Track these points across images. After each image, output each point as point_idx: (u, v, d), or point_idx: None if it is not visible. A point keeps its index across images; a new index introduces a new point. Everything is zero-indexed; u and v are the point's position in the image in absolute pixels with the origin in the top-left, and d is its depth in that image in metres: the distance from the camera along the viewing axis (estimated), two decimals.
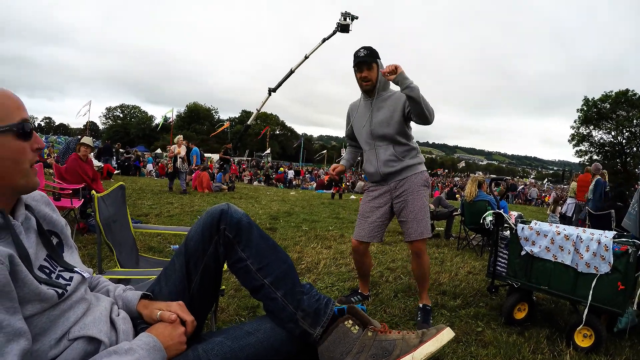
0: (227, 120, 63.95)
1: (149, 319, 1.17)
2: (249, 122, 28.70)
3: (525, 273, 2.87)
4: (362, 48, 2.75)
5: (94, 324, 1.04)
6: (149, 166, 22.43)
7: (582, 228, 2.78)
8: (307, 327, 1.23)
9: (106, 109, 74.88)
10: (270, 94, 25.54)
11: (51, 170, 7.19)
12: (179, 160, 10.99)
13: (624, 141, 36.72)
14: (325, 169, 42.72)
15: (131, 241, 2.52)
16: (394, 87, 2.82)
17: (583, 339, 2.54)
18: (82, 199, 5.17)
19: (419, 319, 2.79)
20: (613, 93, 35.89)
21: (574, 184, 10.47)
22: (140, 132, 66.67)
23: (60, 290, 0.99)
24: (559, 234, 2.70)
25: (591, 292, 2.50)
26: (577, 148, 38.65)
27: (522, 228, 2.90)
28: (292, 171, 28.02)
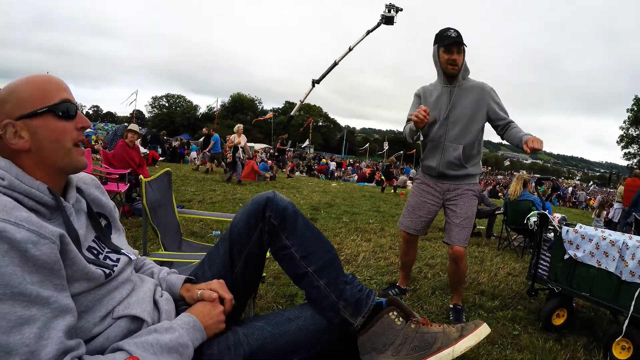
0: (270, 110, 64.69)
1: (191, 301, 1.20)
2: (292, 113, 28.92)
3: (566, 278, 2.77)
4: (450, 29, 2.62)
5: (138, 304, 1.07)
6: (193, 154, 23.03)
7: (629, 235, 2.65)
8: (348, 317, 1.24)
9: (152, 98, 76.74)
10: (313, 86, 25.57)
11: (98, 156, 7.54)
12: (239, 149, 10.55)
13: None
14: (367, 161, 42.50)
15: (175, 225, 2.58)
16: (471, 76, 2.77)
17: (621, 351, 2.43)
18: (128, 184, 5.38)
19: (452, 318, 2.77)
20: None
21: (621, 188, 10.02)
22: (185, 120, 68.36)
23: (107, 271, 1.02)
24: (604, 239, 2.59)
25: (634, 302, 2.37)
26: (626, 150, 36.75)
27: (567, 231, 2.80)
28: (334, 163, 28.08)
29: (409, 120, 2.82)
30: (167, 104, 75.80)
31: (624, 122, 36.58)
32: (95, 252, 1.07)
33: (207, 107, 30.94)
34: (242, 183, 10.41)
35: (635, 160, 35.78)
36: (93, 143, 17.76)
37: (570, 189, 32.61)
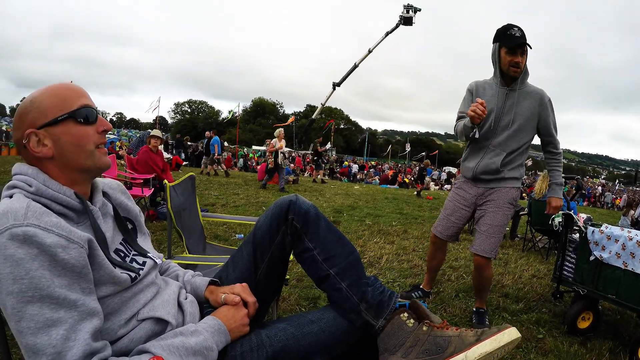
0: (292, 114, 65.09)
1: (215, 304, 1.21)
2: (313, 116, 29.01)
3: (592, 280, 2.71)
4: (514, 26, 2.45)
5: (162, 306, 1.09)
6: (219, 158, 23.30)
7: None
8: (370, 319, 1.23)
9: (174, 104, 77.83)
10: (334, 88, 25.66)
11: (123, 162, 7.73)
12: (280, 155, 10.08)
13: None
14: (390, 163, 42.21)
15: (199, 229, 2.61)
16: (530, 80, 2.61)
17: None
18: (152, 188, 5.48)
19: (474, 321, 2.73)
20: None
21: None
22: (207, 126, 69.23)
23: (133, 274, 1.04)
24: (631, 239, 2.51)
25: None
26: None
27: (593, 231, 2.74)
28: (356, 165, 28.02)
29: (459, 118, 2.73)
30: (189, 110, 76.91)
31: None
32: (122, 254, 1.09)
33: (229, 112, 31.31)
34: (284, 190, 10.11)
35: None
36: (117, 149, 18.17)
37: (599, 188, 31.65)
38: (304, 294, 2.94)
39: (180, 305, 1.17)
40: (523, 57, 2.47)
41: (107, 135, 1.14)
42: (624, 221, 9.12)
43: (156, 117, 31.81)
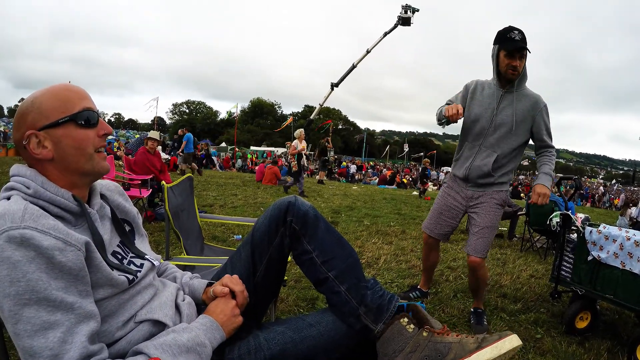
0: (290, 115, 65.16)
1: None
2: (311, 117, 29.03)
3: (590, 280, 2.71)
4: (515, 29, 2.45)
5: (160, 308, 1.08)
6: (214, 159, 23.34)
7: None
8: (369, 323, 1.22)
9: (173, 104, 77.81)
10: (332, 89, 25.70)
11: (121, 162, 7.73)
12: (303, 157, 9.62)
13: None
14: (388, 163, 42.21)
15: (197, 230, 2.61)
16: (530, 80, 2.63)
17: None
18: (150, 189, 5.48)
19: (472, 321, 2.74)
20: None
21: None
22: (205, 126, 69.30)
23: (130, 277, 1.04)
24: (628, 239, 2.52)
25: None
26: None
27: (590, 231, 2.74)
28: (355, 166, 28.04)
29: (446, 104, 2.79)
30: (187, 110, 76.89)
31: None
32: (120, 257, 1.09)
33: (227, 112, 31.28)
34: (304, 195, 9.57)
35: None
36: (115, 150, 18.14)
37: (601, 189, 31.67)
38: (302, 295, 2.94)
39: (177, 307, 1.16)
40: (522, 61, 2.47)
41: None
42: (621, 221, 9.15)
43: (154, 118, 31.75)
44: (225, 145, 39.32)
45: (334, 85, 25.93)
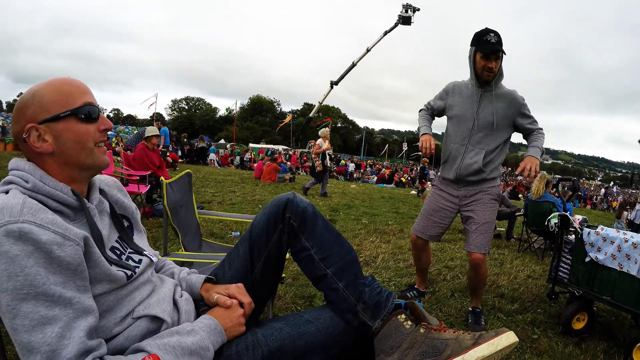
0: (289, 112, 65.04)
1: (209, 302, 1.21)
2: (310, 115, 29.00)
3: (587, 281, 2.72)
4: (491, 32, 2.49)
5: (158, 304, 1.08)
6: (212, 155, 23.30)
7: None
8: (367, 319, 1.22)
9: (172, 101, 77.41)
10: (332, 87, 25.67)
11: (119, 158, 7.71)
12: (327, 156, 9.21)
13: None
14: (387, 162, 42.26)
15: (195, 226, 2.61)
16: (504, 82, 2.68)
17: None
18: (149, 185, 5.48)
19: (470, 321, 2.74)
20: None
21: None
22: (204, 123, 69.09)
23: (129, 272, 1.04)
24: (626, 241, 2.52)
25: None
26: None
27: (588, 233, 2.75)
28: (353, 164, 28.05)
29: (426, 109, 2.96)
30: (186, 107, 76.68)
31: None
32: (118, 252, 1.09)
33: (226, 109, 31.26)
34: (326, 195, 9.31)
35: None
36: (114, 145, 18.07)
37: (602, 191, 31.67)
38: (300, 293, 2.94)
39: (175, 303, 1.16)
40: (497, 62, 2.53)
41: None
42: (618, 225, 9.16)
43: (153, 114, 31.69)
44: (224, 142, 39.25)
45: (333, 84, 25.92)
